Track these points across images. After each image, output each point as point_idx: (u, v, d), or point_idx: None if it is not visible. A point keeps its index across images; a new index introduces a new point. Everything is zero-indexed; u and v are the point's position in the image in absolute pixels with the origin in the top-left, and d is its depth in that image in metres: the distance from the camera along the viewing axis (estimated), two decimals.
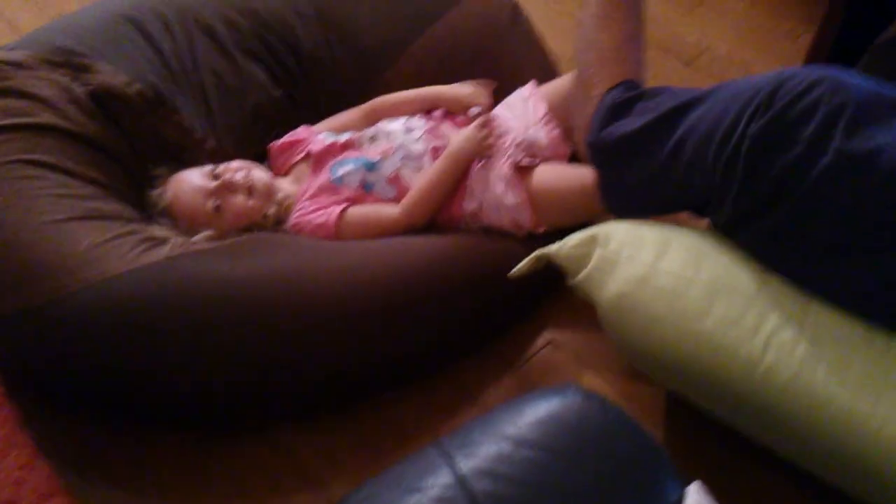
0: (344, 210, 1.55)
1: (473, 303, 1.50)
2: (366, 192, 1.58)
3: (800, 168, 1.09)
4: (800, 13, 2.34)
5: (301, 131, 1.70)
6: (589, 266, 1.26)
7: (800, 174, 1.09)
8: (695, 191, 1.23)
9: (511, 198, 1.55)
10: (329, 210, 1.55)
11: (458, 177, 1.58)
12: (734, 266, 1.19)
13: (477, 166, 1.59)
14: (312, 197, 1.58)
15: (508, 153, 1.58)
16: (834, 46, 1.74)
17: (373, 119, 1.73)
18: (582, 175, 1.48)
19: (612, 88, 1.38)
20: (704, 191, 1.21)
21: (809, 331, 1.10)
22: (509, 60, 1.83)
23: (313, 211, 1.56)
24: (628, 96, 1.35)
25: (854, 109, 1.08)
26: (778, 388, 1.08)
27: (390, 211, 1.56)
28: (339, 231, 1.54)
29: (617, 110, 1.35)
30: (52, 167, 1.41)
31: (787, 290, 1.15)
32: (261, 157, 1.70)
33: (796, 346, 1.09)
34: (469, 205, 1.58)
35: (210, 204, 1.51)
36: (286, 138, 1.69)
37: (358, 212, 1.56)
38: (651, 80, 2.16)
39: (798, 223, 1.11)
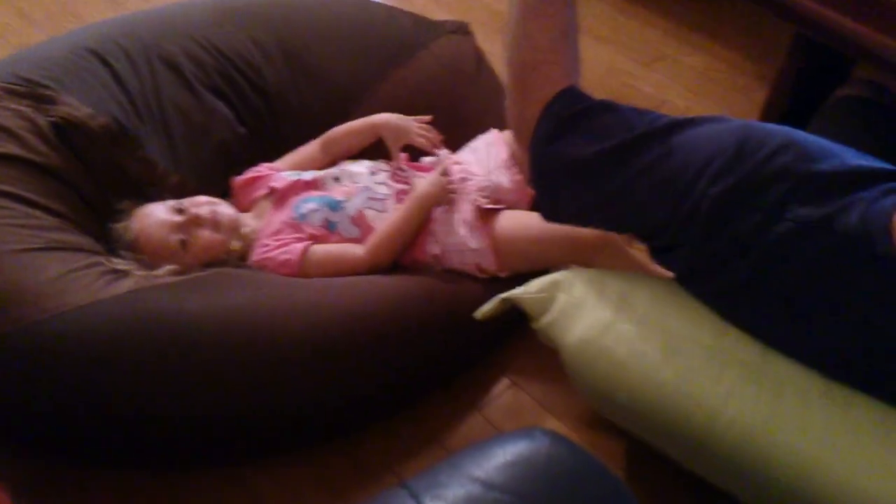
0: (307, 247, 1.55)
1: (436, 343, 1.50)
2: (329, 230, 1.58)
3: (758, 233, 1.11)
4: (755, 70, 2.42)
5: (262, 168, 1.70)
6: (552, 310, 1.27)
7: (757, 238, 1.11)
8: (645, 223, 1.24)
9: (474, 242, 1.56)
10: (291, 247, 1.54)
11: (422, 220, 1.59)
12: (696, 316, 1.21)
13: (439, 210, 1.60)
14: (275, 234, 1.57)
15: (471, 197, 1.60)
16: (788, 103, 1.79)
17: (330, 150, 1.74)
18: (545, 226, 1.51)
19: (555, 97, 1.31)
20: (655, 227, 1.22)
21: (770, 382, 1.12)
22: (474, 105, 1.86)
23: (276, 247, 1.55)
24: (575, 111, 1.29)
25: (814, 177, 1.10)
26: (740, 438, 1.10)
27: (355, 251, 1.56)
28: (302, 269, 1.53)
29: (563, 124, 1.29)
30: (15, 197, 1.39)
31: (748, 341, 1.17)
32: (223, 193, 1.69)
33: (758, 398, 1.11)
34: (432, 248, 1.59)
35: (175, 238, 1.50)
36: (248, 174, 1.69)
37: (322, 250, 1.56)
38: None
39: (753, 284, 1.13)
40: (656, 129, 1.23)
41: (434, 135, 1.72)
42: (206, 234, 1.52)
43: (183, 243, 1.50)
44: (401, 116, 1.74)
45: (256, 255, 1.56)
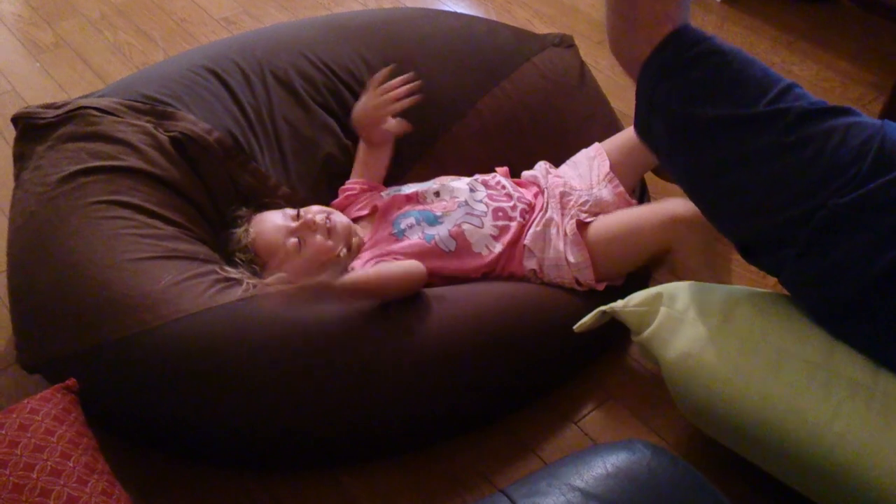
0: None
1: (532, 354, 1.50)
2: (427, 243, 1.60)
3: (866, 256, 1.06)
4: (869, 80, 2.34)
5: (354, 185, 1.73)
6: (654, 324, 1.26)
7: (864, 262, 1.06)
8: (742, 212, 1.18)
9: (573, 256, 1.56)
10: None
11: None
12: (802, 331, 1.18)
13: (535, 226, 1.61)
14: (371, 247, 1.61)
15: (572, 212, 1.60)
16: None
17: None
18: (638, 214, 1.48)
19: (670, 35, 1.18)
20: (750, 222, 1.18)
21: (880, 399, 1.08)
22: (577, 118, 1.86)
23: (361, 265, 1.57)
24: (695, 53, 1.17)
25: None
26: (847, 457, 1.06)
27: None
28: None
29: (679, 69, 1.17)
30: (136, 208, 1.46)
31: (856, 357, 1.14)
32: (330, 204, 1.74)
33: (867, 414, 1.07)
34: (529, 263, 1.59)
35: (291, 241, 1.54)
36: (343, 194, 1.73)
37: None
38: None
39: (855, 304, 1.09)
40: (788, 111, 1.12)
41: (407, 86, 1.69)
42: (319, 240, 1.55)
43: (297, 246, 1.54)
44: (365, 97, 1.71)
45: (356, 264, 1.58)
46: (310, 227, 1.56)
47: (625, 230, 1.56)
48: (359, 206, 1.71)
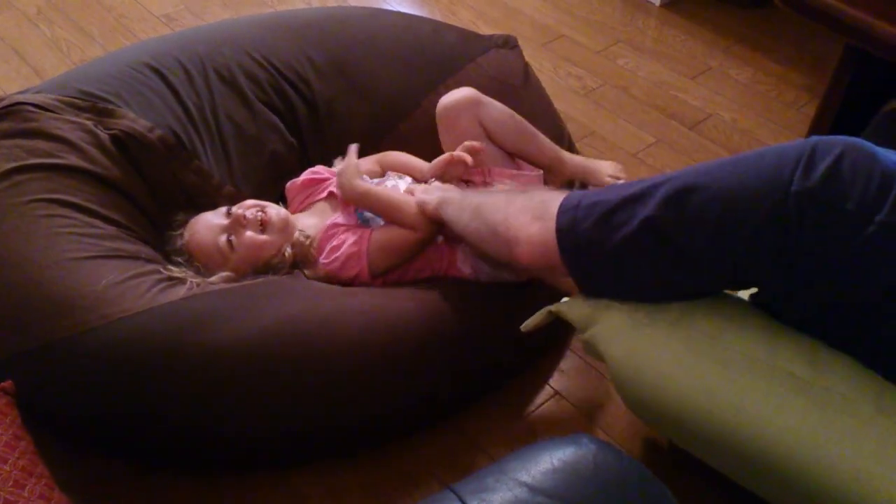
0: (370, 234, 1.57)
1: (478, 352, 1.51)
2: None
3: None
4: (802, 83, 2.41)
5: (321, 169, 1.73)
6: (599, 323, 1.28)
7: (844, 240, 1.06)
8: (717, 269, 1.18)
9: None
10: (354, 239, 1.57)
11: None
12: (747, 329, 1.20)
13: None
14: (334, 233, 1.60)
15: None
16: (837, 116, 1.78)
17: (384, 168, 1.77)
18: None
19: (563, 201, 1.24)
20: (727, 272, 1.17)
21: (819, 394, 1.11)
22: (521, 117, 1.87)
23: (340, 244, 1.58)
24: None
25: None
26: (788, 449, 1.09)
27: (405, 233, 1.57)
28: (369, 257, 1.55)
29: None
30: (76, 207, 1.43)
31: (798, 353, 1.16)
32: (276, 202, 1.72)
33: (807, 410, 1.10)
34: (464, 267, 1.60)
35: (222, 239, 1.53)
36: (306, 175, 1.72)
37: (380, 233, 1.58)
38: (655, 143, 2.23)
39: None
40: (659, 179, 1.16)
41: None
42: (250, 235, 1.53)
43: (229, 243, 1.52)
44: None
45: (323, 251, 1.58)
46: (240, 222, 1.54)
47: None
48: (319, 191, 1.70)
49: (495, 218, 1.33)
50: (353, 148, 1.67)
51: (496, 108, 1.72)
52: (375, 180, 1.68)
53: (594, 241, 1.19)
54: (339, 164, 1.68)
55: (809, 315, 1.16)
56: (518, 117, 1.74)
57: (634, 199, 1.16)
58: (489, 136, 1.72)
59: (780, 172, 1.07)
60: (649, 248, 1.16)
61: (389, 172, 1.74)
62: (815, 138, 1.11)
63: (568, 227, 1.22)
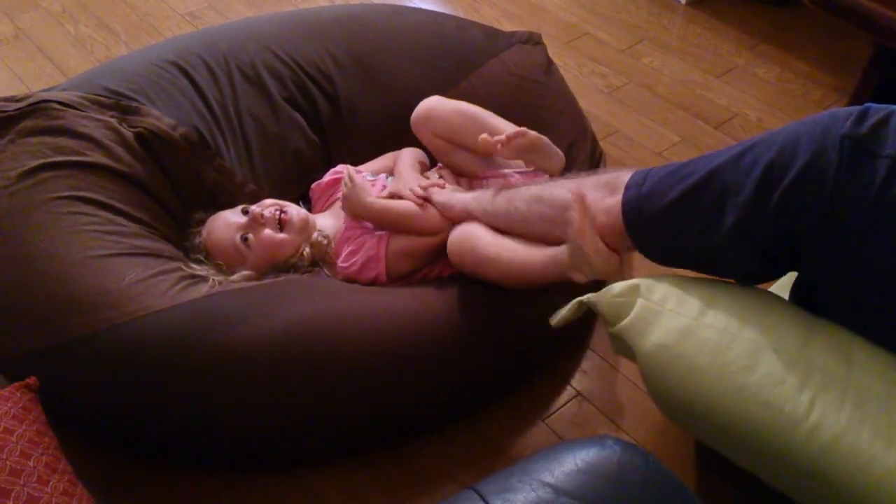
0: (388, 237, 1.57)
1: (496, 351, 1.50)
2: None
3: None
4: (830, 82, 2.38)
5: (343, 168, 1.71)
6: (631, 315, 1.26)
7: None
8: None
9: None
10: (372, 244, 1.57)
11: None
12: (779, 323, 1.19)
13: None
14: (350, 237, 1.60)
15: None
16: None
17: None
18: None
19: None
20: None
21: (854, 392, 1.10)
22: (544, 113, 1.86)
23: (359, 248, 1.57)
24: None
25: None
26: (821, 447, 1.07)
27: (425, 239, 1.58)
28: (387, 258, 1.55)
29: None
30: (100, 204, 1.44)
31: (831, 348, 1.15)
32: (298, 200, 1.73)
33: (841, 406, 1.08)
34: None
35: (238, 237, 1.53)
36: (329, 176, 1.72)
37: (399, 239, 1.58)
38: (680, 142, 2.21)
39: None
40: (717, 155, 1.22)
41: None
42: (268, 233, 1.54)
43: (245, 241, 1.53)
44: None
45: (340, 254, 1.58)
46: (258, 221, 1.54)
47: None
48: (339, 189, 1.68)
49: (565, 199, 1.35)
50: (351, 169, 1.64)
51: (444, 113, 1.67)
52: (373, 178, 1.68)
53: (657, 192, 1.24)
54: (344, 188, 1.62)
55: (846, 301, 1.15)
56: (471, 110, 1.67)
57: (708, 157, 1.23)
58: (452, 143, 1.68)
59: (832, 123, 1.12)
60: (705, 200, 1.19)
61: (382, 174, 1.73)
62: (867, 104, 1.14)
63: (636, 183, 1.27)
